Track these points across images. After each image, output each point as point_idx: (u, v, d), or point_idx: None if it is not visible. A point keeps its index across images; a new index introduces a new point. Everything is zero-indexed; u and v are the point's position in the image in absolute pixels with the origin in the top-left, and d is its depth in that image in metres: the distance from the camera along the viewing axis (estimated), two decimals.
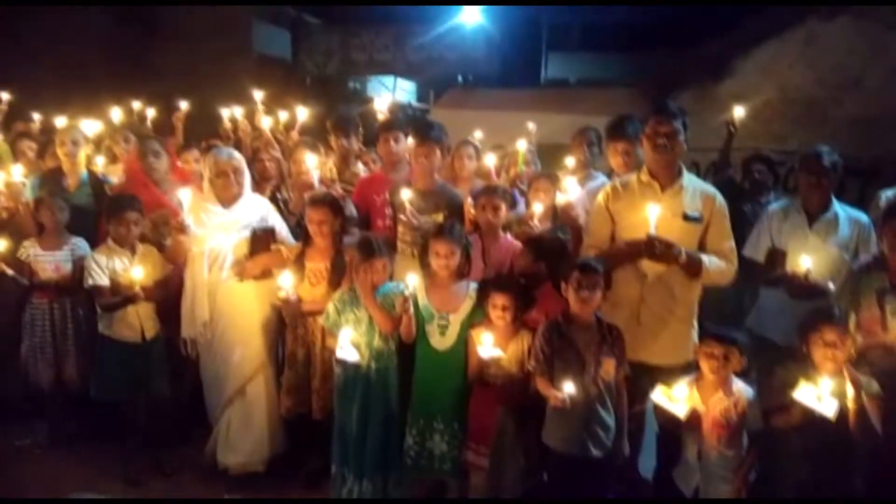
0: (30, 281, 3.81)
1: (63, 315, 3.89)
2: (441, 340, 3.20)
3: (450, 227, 3.25)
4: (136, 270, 3.46)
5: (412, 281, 3.07)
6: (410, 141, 3.91)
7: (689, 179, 3.16)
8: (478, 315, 3.17)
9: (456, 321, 3.19)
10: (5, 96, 5.39)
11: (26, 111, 5.60)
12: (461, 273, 3.22)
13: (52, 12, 10.16)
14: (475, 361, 3.08)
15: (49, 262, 3.84)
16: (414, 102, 15.24)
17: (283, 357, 3.72)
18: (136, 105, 5.73)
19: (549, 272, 3.14)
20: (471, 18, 12.32)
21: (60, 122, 5.00)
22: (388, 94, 12.18)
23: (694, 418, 2.88)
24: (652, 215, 2.88)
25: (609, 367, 2.86)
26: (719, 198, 3.17)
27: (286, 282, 3.28)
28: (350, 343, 3.06)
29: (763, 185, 4.75)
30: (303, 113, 5.09)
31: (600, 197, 3.27)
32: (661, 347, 3.15)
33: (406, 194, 3.45)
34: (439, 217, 3.60)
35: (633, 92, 9.00)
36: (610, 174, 3.99)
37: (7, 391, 4.21)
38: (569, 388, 2.72)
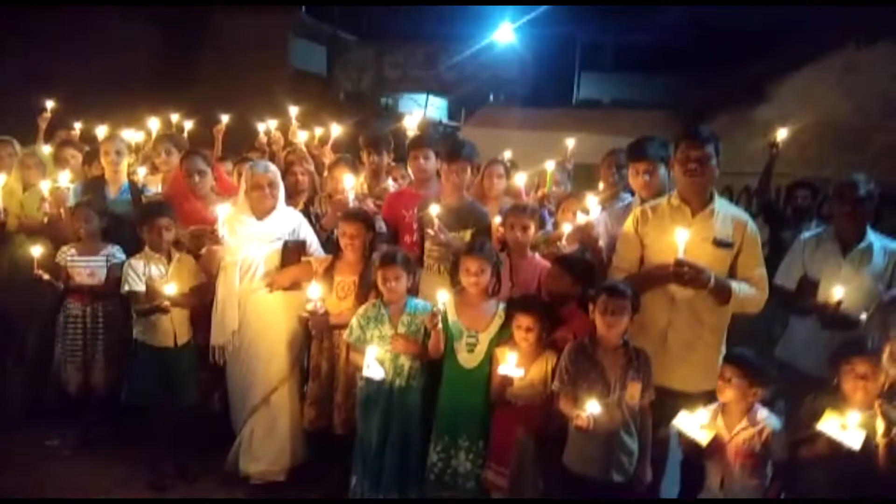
0: (65, 284, 3.93)
1: (95, 320, 4.01)
2: (469, 358, 3.24)
3: (480, 244, 3.29)
4: (170, 287, 3.57)
5: (443, 297, 3.12)
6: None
7: (720, 204, 3.15)
8: (506, 334, 3.20)
9: (485, 339, 3.23)
10: (49, 104, 5.56)
11: (68, 120, 5.77)
12: (491, 291, 3.26)
13: (94, 22, 10.50)
14: (497, 380, 3.09)
15: (84, 267, 3.97)
16: (445, 120, 15.37)
17: (308, 368, 3.78)
18: (175, 117, 5.87)
19: (580, 293, 3.16)
20: (504, 37, 12.40)
21: (101, 131, 5.16)
22: (420, 111, 12.30)
23: (717, 446, 2.86)
24: (681, 239, 2.89)
25: (634, 392, 2.86)
26: (751, 223, 3.15)
27: (315, 293, 3.34)
28: (376, 360, 3.11)
29: (806, 212, 4.71)
30: (336, 129, 5.19)
31: (629, 220, 3.27)
32: (687, 373, 3.12)
33: (434, 210, 3.51)
34: (467, 234, 3.64)
35: (668, 114, 8.99)
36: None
37: (41, 392, 4.34)
38: (593, 407, 2.71)
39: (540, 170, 4.53)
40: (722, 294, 3.02)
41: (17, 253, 4.22)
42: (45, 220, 4.10)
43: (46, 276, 3.78)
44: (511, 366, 2.91)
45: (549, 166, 4.38)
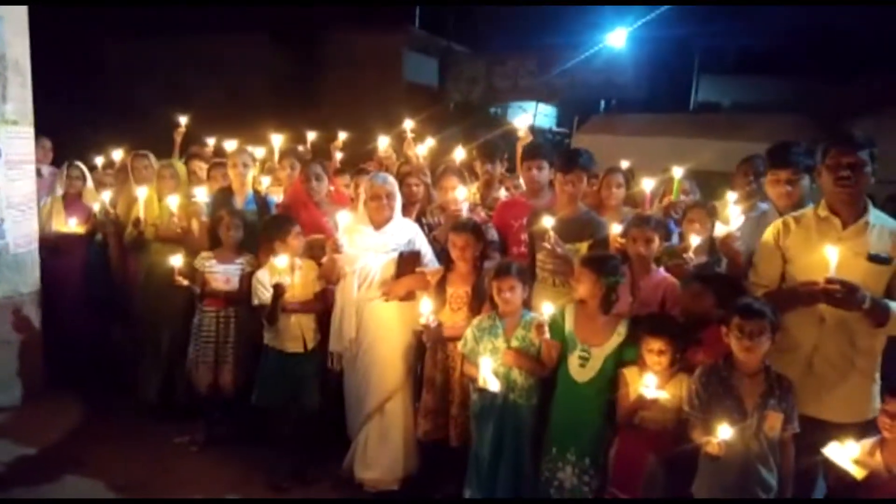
0: (201, 290, 4.12)
1: (227, 324, 4.16)
2: (580, 372, 3.11)
3: (599, 257, 3.14)
4: (281, 259, 3.62)
5: (547, 309, 3.03)
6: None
7: (875, 216, 2.81)
8: (629, 353, 3.03)
9: (599, 355, 3.09)
10: (184, 120, 5.91)
11: (201, 135, 6.13)
12: (606, 308, 3.11)
13: (221, 47, 11.26)
14: (626, 403, 2.93)
15: (221, 273, 4.14)
16: (554, 127, 15.12)
17: (421, 379, 3.75)
18: (298, 132, 6.06)
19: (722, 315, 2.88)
20: (617, 42, 12.02)
21: (230, 145, 5.42)
22: (527, 114, 12.13)
23: (876, 485, 2.52)
24: (832, 255, 2.58)
25: (774, 422, 2.60)
26: None
27: (426, 308, 3.31)
28: (491, 372, 3.04)
29: None
30: (461, 153, 5.10)
31: (770, 231, 2.99)
32: (836, 402, 2.81)
33: (549, 222, 3.37)
34: (583, 247, 3.49)
35: (801, 118, 8.28)
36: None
37: (174, 391, 4.58)
38: (724, 432, 2.49)
39: (665, 177, 4.27)
40: (879, 315, 2.67)
41: (153, 260, 4.49)
42: (179, 230, 4.32)
43: (186, 282, 3.98)
44: (652, 388, 2.74)
45: (678, 173, 4.10)
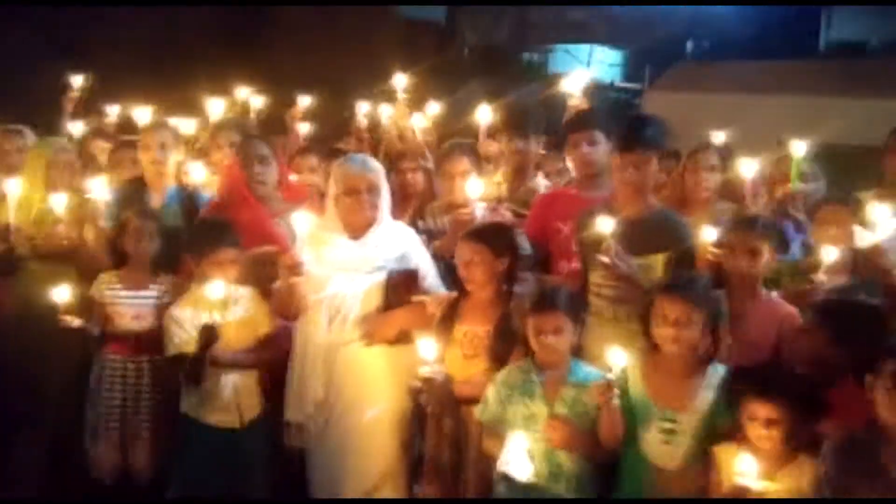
0: (101, 330, 4.13)
1: (138, 379, 4.16)
2: (665, 452, 3.11)
3: (688, 280, 3.14)
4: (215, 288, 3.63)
5: (619, 358, 3.01)
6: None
7: None
8: (722, 417, 3.04)
9: (689, 424, 3.09)
10: (78, 81, 5.90)
11: (103, 101, 6.16)
12: (703, 352, 3.10)
13: None
14: (727, 494, 2.89)
15: (129, 306, 4.15)
16: (618, 82, 15.18)
17: (421, 460, 3.76)
18: (244, 93, 6.05)
19: (854, 360, 2.88)
20: None
21: (144, 115, 5.44)
22: (583, 70, 12.22)
23: None
24: None
25: None
26: None
27: (430, 353, 3.30)
28: (524, 452, 3.05)
29: None
30: (485, 114, 5.08)
31: None
32: None
33: (606, 225, 3.37)
34: (659, 261, 3.51)
35: None
36: None
37: (64, 473, 4.55)
38: None
39: (779, 156, 4.25)
40: None
41: (30, 287, 4.45)
42: (66, 242, 4.32)
43: (77, 322, 3.94)
44: (751, 475, 2.72)
45: (799, 150, 4.11)
